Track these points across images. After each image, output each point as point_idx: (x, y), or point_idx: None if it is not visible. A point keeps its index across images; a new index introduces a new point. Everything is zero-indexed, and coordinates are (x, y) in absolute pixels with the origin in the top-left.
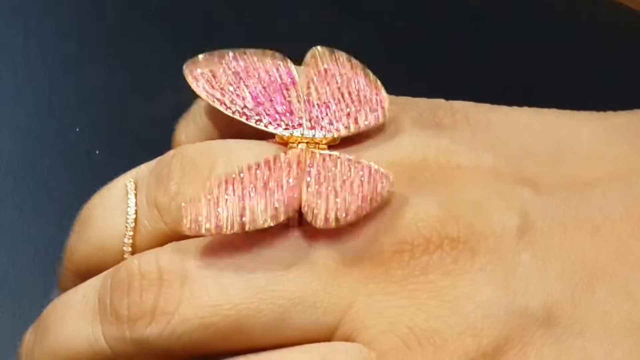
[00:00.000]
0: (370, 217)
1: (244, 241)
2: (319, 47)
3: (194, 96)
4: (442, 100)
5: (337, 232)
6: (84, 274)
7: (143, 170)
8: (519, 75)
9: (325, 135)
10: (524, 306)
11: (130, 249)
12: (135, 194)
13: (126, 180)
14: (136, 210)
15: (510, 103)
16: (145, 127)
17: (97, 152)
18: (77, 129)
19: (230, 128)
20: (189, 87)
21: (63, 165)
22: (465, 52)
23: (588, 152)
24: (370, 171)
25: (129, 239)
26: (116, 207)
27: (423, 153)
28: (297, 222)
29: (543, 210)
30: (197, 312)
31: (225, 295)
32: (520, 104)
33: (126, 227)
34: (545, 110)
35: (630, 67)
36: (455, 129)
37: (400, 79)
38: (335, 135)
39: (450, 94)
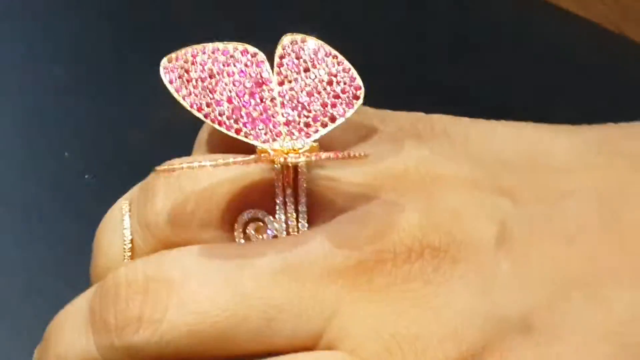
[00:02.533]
0: (353, 225)
1: (231, 250)
2: (290, 35)
3: (183, 116)
4: (421, 114)
5: (322, 242)
6: None
7: (135, 190)
8: (497, 90)
9: (304, 144)
10: (502, 313)
11: None
12: (130, 215)
13: (122, 203)
14: (131, 231)
15: (487, 117)
16: (135, 149)
17: (86, 175)
18: (66, 154)
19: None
20: (178, 107)
21: (52, 189)
22: (444, 70)
23: (564, 163)
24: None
25: (127, 259)
26: (115, 230)
27: (404, 163)
28: (285, 233)
29: (520, 220)
30: (185, 318)
31: (212, 302)
32: (497, 117)
33: (124, 248)
34: (523, 124)
35: (603, 81)
36: (434, 141)
37: (383, 95)
38: (315, 139)
39: (429, 109)
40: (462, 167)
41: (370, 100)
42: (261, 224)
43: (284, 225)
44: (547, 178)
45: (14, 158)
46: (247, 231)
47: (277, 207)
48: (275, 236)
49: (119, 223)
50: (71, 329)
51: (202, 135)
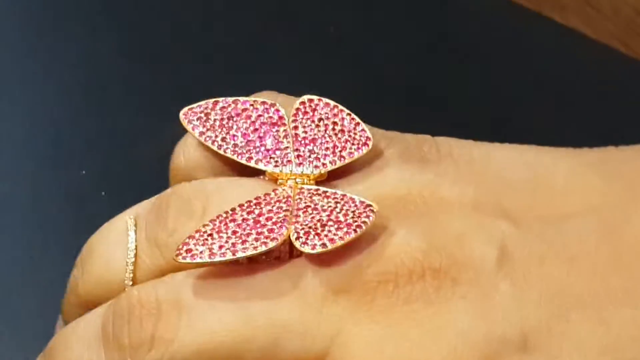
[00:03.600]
0: (357, 247)
1: (238, 272)
2: (306, 95)
3: None
4: (427, 136)
5: (326, 263)
6: (87, 306)
7: (143, 207)
8: (499, 108)
9: (312, 172)
10: (502, 333)
11: (131, 282)
12: (135, 230)
13: (127, 217)
14: (136, 246)
15: (490, 133)
16: (149, 168)
17: (103, 193)
18: (83, 172)
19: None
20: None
21: (70, 207)
22: (445, 91)
23: (564, 186)
24: (355, 202)
25: (129, 273)
26: (117, 243)
27: (408, 186)
28: (288, 254)
29: (521, 242)
30: (195, 338)
31: (220, 323)
32: (500, 134)
33: (127, 262)
34: (525, 147)
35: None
36: (439, 164)
37: (388, 117)
38: (323, 171)
39: (435, 131)
40: (464, 190)
41: (378, 122)
42: None
43: (287, 246)
44: (548, 200)
45: (34, 178)
46: None
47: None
48: (278, 257)
49: (122, 237)
50: (80, 344)
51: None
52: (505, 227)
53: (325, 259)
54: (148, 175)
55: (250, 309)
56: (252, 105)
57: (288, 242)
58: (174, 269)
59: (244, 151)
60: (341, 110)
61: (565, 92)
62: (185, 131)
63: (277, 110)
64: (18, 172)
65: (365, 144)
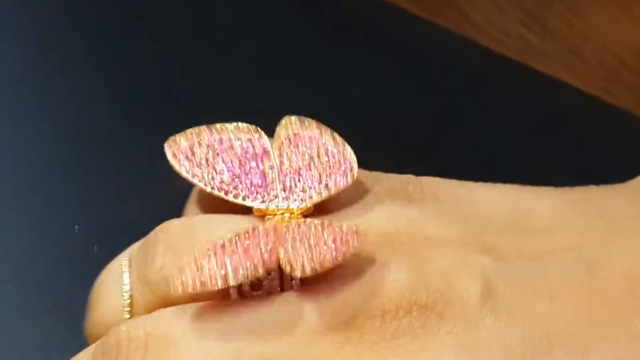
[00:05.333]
0: (345, 282)
1: (227, 307)
2: (289, 117)
3: (187, 187)
4: (411, 176)
5: (315, 298)
6: None
7: (134, 247)
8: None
9: (299, 206)
10: None
11: None
12: (129, 271)
13: (122, 259)
14: (130, 287)
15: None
16: (143, 222)
17: (96, 248)
18: (77, 227)
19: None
20: (182, 178)
21: (64, 262)
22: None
23: (545, 223)
24: (342, 229)
25: (126, 314)
26: (114, 287)
27: (395, 224)
28: (279, 289)
29: (504, 278)
30: None
31: (208, 357)
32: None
33: (123, 304)
34: (507, 186)
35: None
36: (424, 202)
37: (373, 159)
38: (309, 205)
39: (418, 172)
40: (449, 228)
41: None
42: (256, 280)
43: (277, 281)
44: (529, 238)
45: (27, 233)
46: (242, 287)
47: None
48: (270, 292)
49: (119, 279)
50: None
51: (193, 196)
52: (488, 262)
53: (314, 295)
54: (142, 230)
55: (239, 343)
56: (237, 138)
57: (278, 276)
58: (165, 305)
59: (231, 188)
60: (324, 143)
61: (548, 139)
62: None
63: (261, 139)
64: (12, 228)
65: (350, 174)
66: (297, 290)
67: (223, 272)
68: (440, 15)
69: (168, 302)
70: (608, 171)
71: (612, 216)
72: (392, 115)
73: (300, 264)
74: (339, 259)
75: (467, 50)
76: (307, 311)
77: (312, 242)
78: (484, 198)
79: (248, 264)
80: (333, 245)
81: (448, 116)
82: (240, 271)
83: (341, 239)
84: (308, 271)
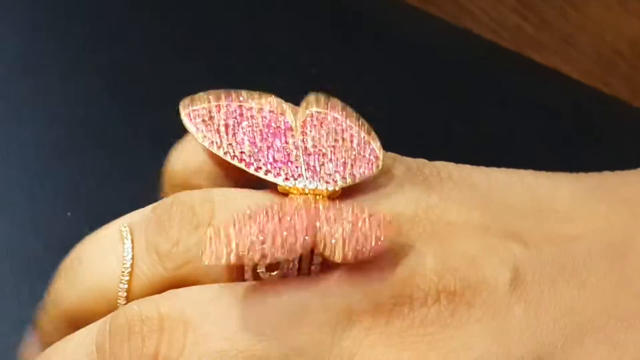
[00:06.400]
0: (370, 268)
1: (245, 290)
2: (314, 94)
3: None
4: (425, 160)
5: (339, 284)
6: (72, 321)
7: (138, 216)
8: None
9: (326, 188)
10: (517, 356)
11: (125, 293)
12: (132, 240)
13: (120, 226)
14: (133, 256)
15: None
16: (134, 208)
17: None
18: (69, 213)
19: (227, 166)
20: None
21: (56, 248)
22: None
23: (568, 210)
24: (376, 217)
25: (124, 283)
26: (111, 252)
27: (415, 209)
28: (297, 272)
29: (533, 265)
30: (202, 357)
31: (229, 342)
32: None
33: (122, 271)
34: (523, 171)
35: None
36: (442, 187)
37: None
38: (337, 189)
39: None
40: (471, 213)
41: None
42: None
43: (296, 264)
44: (554, 223)
45: (21, 219)
46: (257, 269)
47: None
48: (286, 275)
49: (116, 245)
50: None
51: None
52: (516, 249)
53: (338, 281)
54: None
55: (261, 328)
56: (258, 111)
57: (297, 260)
58: (175, 281)
59: (252, 160)
60: (349, 127)
61: (546, 130)
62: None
63: (284, 113)
64: (7, 214)
65: (375, 163)
66: (316, 275)
67: (261, 247)
68: (435, 5)
69: (176, 278)
70: (605, 160)
71: (633, 201)
72: (387, 105)
73: (341, 248)
74: (379, 249)
75: (463, 40)
76: (332, 298)
77: (347, 229)
78: (502, 183)
79: (285, 244)
80: (370, 236)
81: (443, 106)
82: (279, 250)
83: (378, 227)
84: (350, 257)
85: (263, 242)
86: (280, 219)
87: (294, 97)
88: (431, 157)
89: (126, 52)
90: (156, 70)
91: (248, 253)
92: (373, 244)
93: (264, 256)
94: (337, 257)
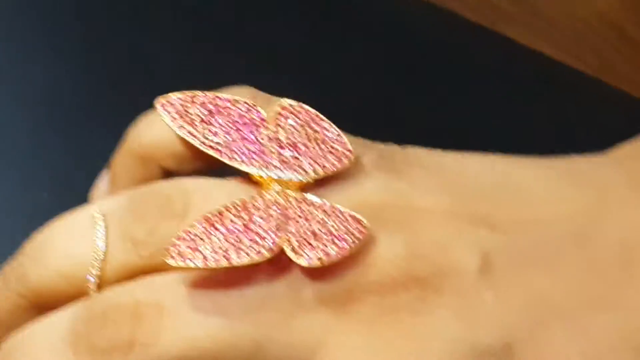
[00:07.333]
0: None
1: (221, 277)
2: (287, 99)
3: None
4: (396, 146)
5: (310, 272)
6: (35, 302)
7: (111, 203)
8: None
9: (298, 179)
10: (487, 342)
11: (95, 279)
12: (105, 226)
13: (92, 211)
14: (108, 243)
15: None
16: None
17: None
18: (45, 194)
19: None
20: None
21: (31, 228)
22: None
23: (537, 193)
24: (344, 216)
25: (96, 270)
26: (82, 237)
27: (383, 195)
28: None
29: (501, 250)
30: (176, 343)
31: (203, 328)
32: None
33: (94, 257)
34: (493, 156)
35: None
36: (411, 173)
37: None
38: (309, 179)
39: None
40: (439, 198)
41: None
42: None
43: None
44: (523, 208)
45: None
46: None
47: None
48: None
49: (88, 230)
50: (45, 349)
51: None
52: (484, 234)
53: (308, 269)
54: None
55: (234, 316)
56: (233, 103)
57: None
58: (147, 268)
59: (227, 151)
60: (321, 120)
61: (521, 107)
62: None
63: (259, 112)
64: None
65: (346, 156)
66: (287, 262)
67: (226, 254)
68: None
69: (149, 265)
70: (578, 137)
71: (601, 186)
72: (367, 84)
73: (306, 255)
74: (346, 252)
75: (440, 18)
76: (303, 286)
77: (315, 229)
78: (472, 167)
79: (252, 247)
80: (338, 237)
81: (420, 85)
82: (245, 256)
83: (346, 228)
84: (315, 262)
85: (228, 250)
86: (248, 222)
87: (295, 97)
88: (405, 133)
89: (124, 49)
90: (155, 67)
91: (214, 259)
92: (341, 246)
93: (229, 263)
94: (303, 264)
